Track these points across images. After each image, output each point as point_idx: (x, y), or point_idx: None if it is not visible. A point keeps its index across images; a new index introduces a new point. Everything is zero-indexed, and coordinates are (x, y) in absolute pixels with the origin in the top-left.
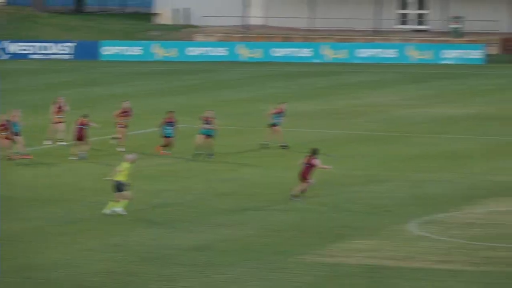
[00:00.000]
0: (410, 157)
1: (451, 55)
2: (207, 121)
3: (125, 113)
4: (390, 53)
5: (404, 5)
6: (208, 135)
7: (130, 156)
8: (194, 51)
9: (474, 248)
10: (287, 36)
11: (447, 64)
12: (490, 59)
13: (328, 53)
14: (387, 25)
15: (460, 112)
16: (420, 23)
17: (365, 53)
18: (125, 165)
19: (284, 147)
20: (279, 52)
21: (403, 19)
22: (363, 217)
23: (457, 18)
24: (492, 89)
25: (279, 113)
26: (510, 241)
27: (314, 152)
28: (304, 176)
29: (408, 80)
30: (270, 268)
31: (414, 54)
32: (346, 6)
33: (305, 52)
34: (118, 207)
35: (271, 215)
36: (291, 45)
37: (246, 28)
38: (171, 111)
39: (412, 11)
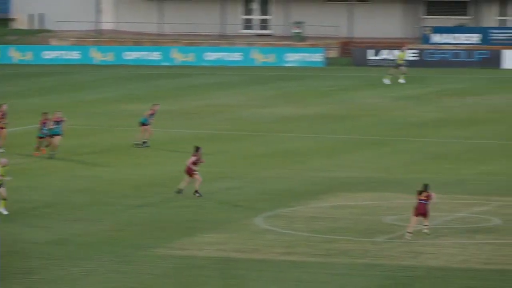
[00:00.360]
0: (257, 155)
1: (293, 58)
2: (55, 122)
3: (3, 115)
4: (235, 57)
5: (248, 11)
6: (54, 135)
7: (3, 160)
8: (49, 55)
9: (316, 241)
10: (138, 40)
11: (290, 66)
12: (329, 62)
13: (177, 57)
14: (233, 29)
15: (302, 112)
16: (263, 27)
17: (212, 56)
18: None
19: (142, 144)
20: (130, 55)
21: (248, 24)
22: (213, 212)
23: (298, 23)
24: (331, 90)
25: (152, 114)
26: (348, 233)
27: (196, 150)
28: (189, 172)
29: (253, 82)
30: (124, 260)
31: (259, 57)
32: (194, 11)
33: (155, 56)
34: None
35: (125, 210)
36: (142, 49)
37: (99, 32)
38: (45, 112)
39: (256, 17)
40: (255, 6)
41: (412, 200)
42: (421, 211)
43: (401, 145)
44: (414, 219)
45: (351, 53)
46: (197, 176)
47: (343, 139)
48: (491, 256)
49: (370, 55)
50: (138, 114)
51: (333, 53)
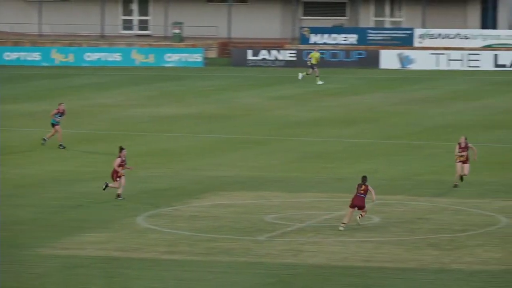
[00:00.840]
0: (137, 154)
1: (173, 58)
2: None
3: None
4: (115, 57)
5: (127, 12)
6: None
7: None
8: None
9: (198, 239)
10: (17, 40)
11: (169, 67)
12: (209, 62)
13: (57, 57)
14: (112, 30)
15: (182, 111)
16: (143, 28)
17: (92, 57)
18: None
19: (59, 146)
20: (10, 56)
21: (127, 25)
22: (95, 211)
23: (177, 24)
24: (210, 90)
25: (59, 113)
26: (230, 232)
27: (120, 150)
28: (115, 174)
29: (133, 82)
30: (8, 260)
31: (138, 57)
32: (74, 12)
33: (34, 56)
34: None
35: (8, 210)
36: (21, 49)
37: None
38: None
39: (135, 17)
40: (134, 7)
41: (291, 199)
42: (358, 203)
43: (279, 145)
44: (350, 210)
45: (230, 54)
46: (122, 180)
47: (223, 138)
48: (371, 253)
49: (249, 55)
50: (17, 114)
51: (213, 54)
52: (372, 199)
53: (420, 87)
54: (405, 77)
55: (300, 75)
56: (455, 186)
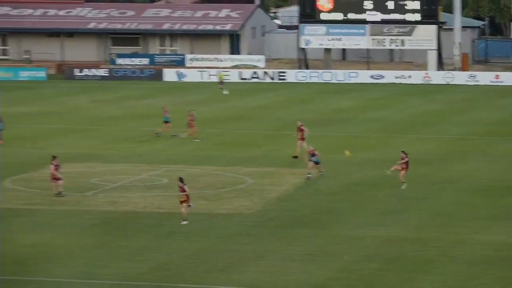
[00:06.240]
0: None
1: (25, 74)
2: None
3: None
4: None
5: None
6: None
7: None
8: None
9: (45, 195)
10: None
11: (23, 80)
12: (50, 77)
13: None
14: None
15: (29, 110)
16: (3, 53)
17: None
18: None
19: None
20: None
21: None
22: None
23: (27, 51)
24: (51, 95)
25: None
26: (66, 191)
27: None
28: (53, 177)
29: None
30: None
31: (2, 74)
32: None
33: None
34: None
35: None
36: None
37: None
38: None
39: None
40: None
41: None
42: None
43: (98, 132)
44: (310, 164)
45: (64, 71)
46: (61, 181)
47: (61, 128)
48: (162, 203)
49: (76, 72)
50: None
51: (52, 71)
52: None
53: (190, 93)
54: (181, 86)
55: (225, 91)
56: (295, 157)
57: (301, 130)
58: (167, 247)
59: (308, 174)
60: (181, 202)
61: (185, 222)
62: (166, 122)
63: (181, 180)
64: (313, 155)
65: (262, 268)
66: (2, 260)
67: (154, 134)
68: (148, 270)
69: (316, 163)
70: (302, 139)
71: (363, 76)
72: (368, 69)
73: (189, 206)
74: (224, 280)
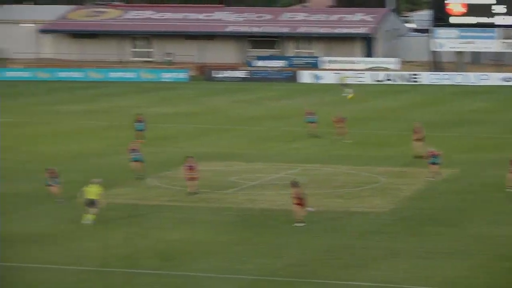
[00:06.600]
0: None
1: (168, 75)
2: None
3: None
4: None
5: (135, 46)
6: None
7: (97, 180)
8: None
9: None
10: None
11: (166, 81)
12: (191, 78)
13: None
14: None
15: (174, 110)
16: (148, 56)
17: None
18: (95, 187)
19: None
20: None
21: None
22: None
23: (169, 53)
24: (195, 96)
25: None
26: (206, 188)
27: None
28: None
29: (142, 91)
30: None
31: (145, 75)
32: None
33: None
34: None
35: None
36: None
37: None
38: None
39: (143, 49)
40: (141, 42)
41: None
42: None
43: (237, 132)
44: (432, 166)
45: (204, 73)
46: (195, 182)
47: (202, 128)
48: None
49: (215, 74)
50: None
51: (193, 73)
52: None
53: (327, 94)
54: (316, 88)
55: (345, 93)
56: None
57: (419, 132)
58: (303, 244)
59: (431, 177)
60: (296, 204)
61: (299, 224)
62: (311, 122)
63: (294, 184)
64: (434, 156)
65: (397, 265)
66: (146, 254)
67: (311, 136)
68: (283, 266)
69: (436, 163)
70: (420, 140)
71: (494, 78)
72: (499, 72)
73: (307, 209)
74: (360, 276)
